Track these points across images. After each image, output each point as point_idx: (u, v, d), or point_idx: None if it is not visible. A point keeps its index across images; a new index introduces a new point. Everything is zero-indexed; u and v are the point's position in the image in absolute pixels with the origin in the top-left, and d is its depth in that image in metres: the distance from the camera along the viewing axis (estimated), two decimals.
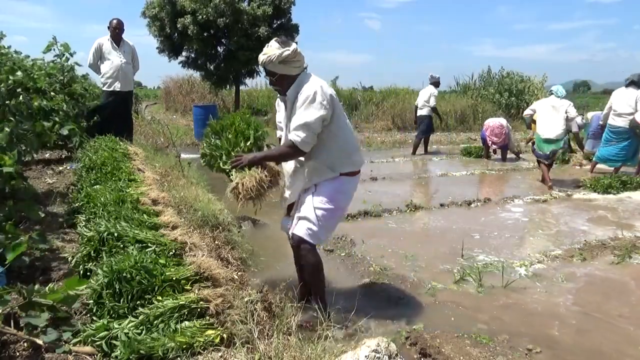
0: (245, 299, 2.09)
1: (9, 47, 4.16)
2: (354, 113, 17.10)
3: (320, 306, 2.40)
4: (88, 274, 2.23)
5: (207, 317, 1.86)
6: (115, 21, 6.06)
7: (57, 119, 4.96)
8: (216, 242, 3.22)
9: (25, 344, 1.72)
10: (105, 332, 1.71)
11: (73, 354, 1.69)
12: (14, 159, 3.00)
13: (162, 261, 2.10)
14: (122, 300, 1.86)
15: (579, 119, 9.64)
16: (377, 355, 1.89)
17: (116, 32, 6.06)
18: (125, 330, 1.71)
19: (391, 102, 16.90)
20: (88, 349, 1.70)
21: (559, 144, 6.58)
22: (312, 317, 2.39)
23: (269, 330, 1.96)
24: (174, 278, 1.99)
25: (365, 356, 1.86)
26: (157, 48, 15.85)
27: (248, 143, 2.67)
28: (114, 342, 1.69)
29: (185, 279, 2.03)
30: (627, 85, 7.16)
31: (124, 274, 1.90)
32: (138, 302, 1.87)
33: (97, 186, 3.25)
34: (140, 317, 1.77)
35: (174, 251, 2.34)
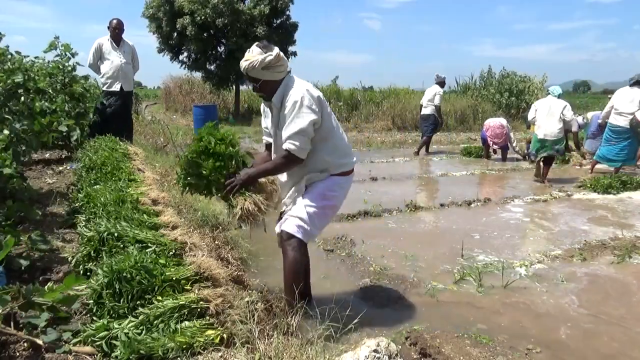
0: (245, 299, 2.09)
1: (7, 46, 4.16)
2: (353, 113, 17.11)
3: (289, 301, 2.36)
4: (88, 274, 2.23)
5: (207, 317, 1.86)
6: (115, 21, 6.05)
7: (55, 117, 4.97)
8: (216, 242, 3.23)
9: (25, 344, 1.72)
10: (105, 332, 1.71)
11: (73, 354, 1.69)
12: (10, 159, 3.00)
13: (162, 261, 2.10)
14: (122, 300, 1.86)
15: (580, 119, 9.66)
16: (377, 355, 1.89)
17: (116, 32, 6.06)
18: (125, 330, 1.71)
19: (391, 102, 16.91)
20: (88, 349, 1.70)
21: (555, 147, 6.63)
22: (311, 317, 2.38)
23: (269, 330, 1.96)
24: (174, 278, 1.99)
25: (365, 356, 1.86)
26: (157, 48, 15.88)
27: (233, 161, 2.46)
28: (114, 342, 1.69)
29: (185, 279, 2.03)
30: (631, 85, 7.17)
31: (124, 274, 1.90)
32: (138, 302, 1.87)
33: (97, 186, 3.25)
34: (140, 317, 1.77)
35: (174, 251, 2.34)
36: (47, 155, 6.12)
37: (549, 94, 6.81)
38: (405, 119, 16.19)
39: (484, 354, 2.35)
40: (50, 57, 5.75)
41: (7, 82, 3.73)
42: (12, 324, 1.75)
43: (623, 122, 7.07)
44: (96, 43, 6.07)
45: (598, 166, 7.77)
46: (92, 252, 2.32)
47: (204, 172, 2.40)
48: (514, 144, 9.38)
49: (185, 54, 15.87)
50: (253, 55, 2.37)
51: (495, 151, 9.50)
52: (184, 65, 16.24)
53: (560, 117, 6.53)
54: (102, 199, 2.90)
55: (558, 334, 2.66)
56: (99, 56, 6.07)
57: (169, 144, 8.08)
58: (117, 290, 1.87)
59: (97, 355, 1.68)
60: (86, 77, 6.29)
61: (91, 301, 1.92)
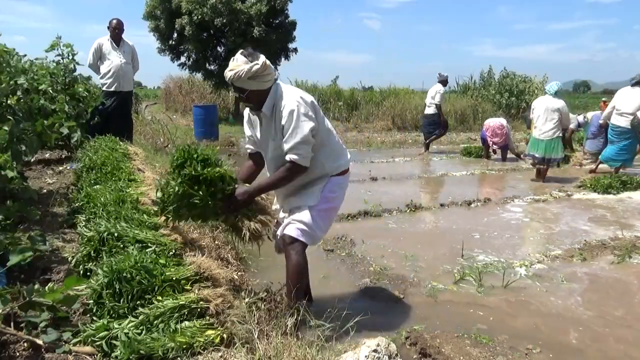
0: (246, 299, 2.09)
1: (14, 49, 4.17)
2: (353, 113, 17.12)
3: (295, 306, 2.27)
4: (88, 274, 2.23)
5: (207, 317, 1.86)
6: (115, 21, 6.05)
7: (57, 118, 4.96)
8: (216, 242, 3.23)
9: (25, 344, 1.72)
10: (105, 332, 1.71)
11: (73, 354, 1.68)
12: (10, 160, 3.00)
13: (162, 261, 2.09)
14: (122, 300, 1.86)
15: (580, 117, 9.65)
16: (377, 355, 1.89)
17: (116, 32, 6.06)
18: (125, 330, 1.71)
19: (391, 102, 16.91)
20: (88, 349, 1.70)
21: (551, 154, 6.65)
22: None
23: (268, 330, 1.96)
24: (174, 278, 1.99)
25: (365, 356, 1.86)
26: (157, 48, 15.88)
27: (225, 182, 2.32)
28: (114, 342, 1.69)
29: (185, 279, 2.03)
30: (632, 85, 7.16)
31: (124, 274, 1.90)
32: (138, 302, 1.86)
33: (97, 186, 3.25)
34: (140, 317, 1.77)
35: (174, 251, 2.33)
36: (47, 156, 6.12)
37: (547, 93, 6.84)
38: (405, 119, 16.20)
39: (484, 354, 2.35)
40: (51, 57, 5.75)
41: (10, 83, 3.73)
42: (12, 324, 1.75)
43: (624, 122, 7.06)
44: (96, 43, 6.06)
45: (601, 166, 7.75)
46: (92, 252, 2.31)
47: (197, 201, 2.24)
48: (513, 144, 9.39)
49: (185, 54, 15.87)
50: (238, 65, 2.26)
51: (495, 151, 9.50)
52: (184, 67, 16.26)
53: (556, 117, 6.57)
54: (102, 199, 2.90)
55: (558, 333, 2.67)
56: (99, 56, 6.07)
57: (169, 144, 8.07)
58: (117, 290, 1.87)
59: (97, 355, 1.68)
60: (89, 78, 6.29)
61: (91, 301, 1.91)
